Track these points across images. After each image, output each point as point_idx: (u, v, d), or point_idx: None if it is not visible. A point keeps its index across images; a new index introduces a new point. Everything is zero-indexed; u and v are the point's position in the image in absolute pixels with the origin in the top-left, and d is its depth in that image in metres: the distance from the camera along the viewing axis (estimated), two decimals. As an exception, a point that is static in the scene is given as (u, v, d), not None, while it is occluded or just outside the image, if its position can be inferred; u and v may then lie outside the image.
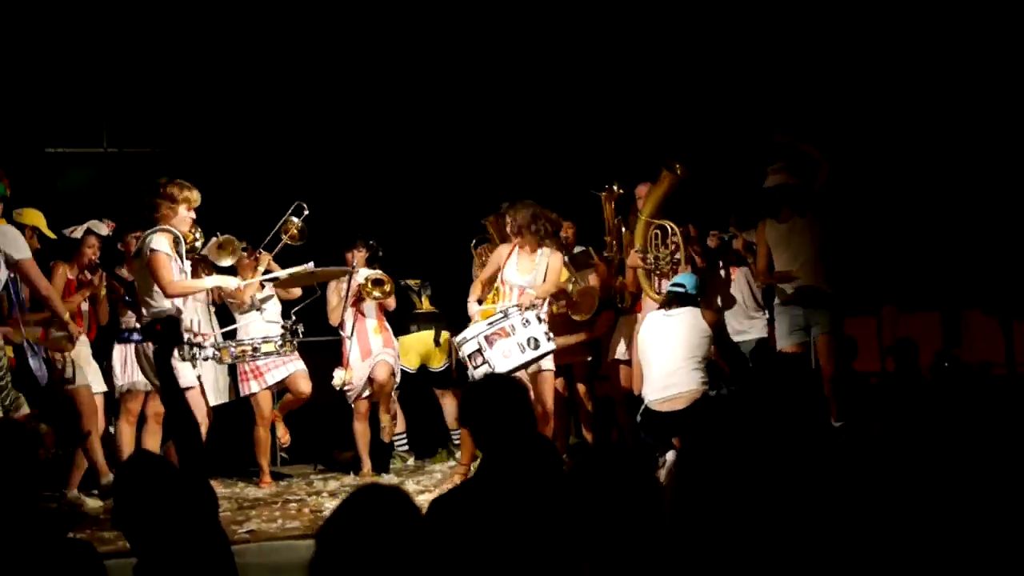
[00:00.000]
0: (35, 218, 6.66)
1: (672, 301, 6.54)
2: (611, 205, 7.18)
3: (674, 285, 6.60)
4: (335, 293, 7.64)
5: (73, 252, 6.96)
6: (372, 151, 9.34)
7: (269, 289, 7.43)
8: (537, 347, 6.28)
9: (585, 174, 7.71)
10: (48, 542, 3.08)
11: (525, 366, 6.32)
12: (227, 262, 7.11)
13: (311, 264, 7.05)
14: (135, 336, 6.71)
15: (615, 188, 7.15)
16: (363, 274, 7.56)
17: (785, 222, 6.73)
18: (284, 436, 7.56)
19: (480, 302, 6.72)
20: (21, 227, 6.60)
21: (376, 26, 8.93)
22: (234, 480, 7.56)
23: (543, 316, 6.46)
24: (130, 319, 7.04)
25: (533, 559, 2.62)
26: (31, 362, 5.91)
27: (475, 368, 6.31)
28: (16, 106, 8.39)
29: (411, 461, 8.14)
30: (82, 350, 6.79)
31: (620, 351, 7.24)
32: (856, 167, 9.10)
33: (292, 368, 7.33)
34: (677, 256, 6.91)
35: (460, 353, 6.47)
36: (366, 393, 7.61)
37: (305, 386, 7.42)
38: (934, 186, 9.18)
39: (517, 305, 6.43)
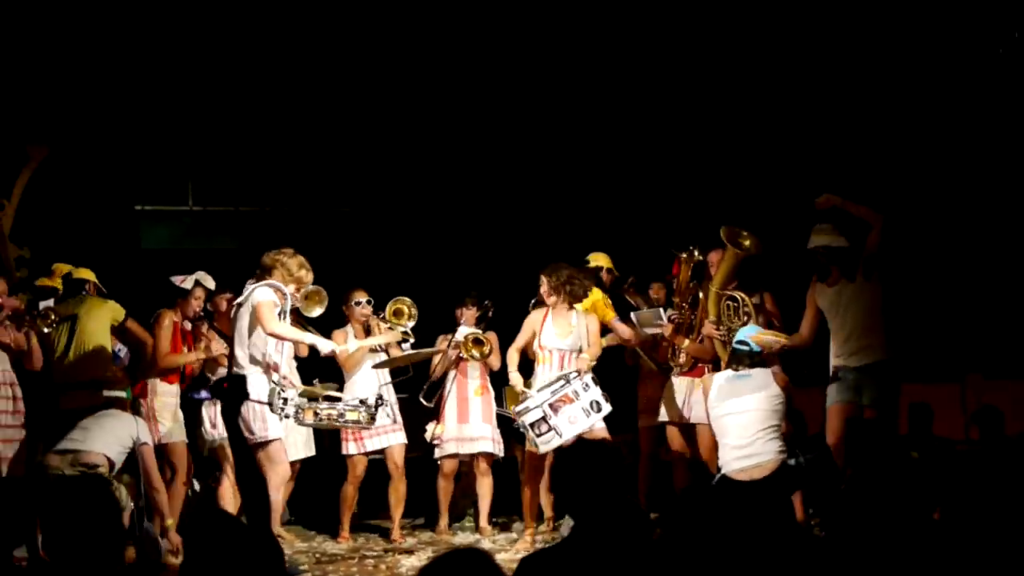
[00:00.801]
0: (89, 273, 7.08)
1: (740, 360, 6.46)
2: (688, 268, 7.10)
3: (738, 343, 6.51)
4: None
5: (178, 300, 7.08)
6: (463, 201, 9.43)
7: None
8: (599, 410, 6.45)
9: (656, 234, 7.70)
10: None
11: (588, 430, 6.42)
12: (316, 312, 7.05)
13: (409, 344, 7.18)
14: (203, 393, 6.87)
15: (695, 252, 7.09)
16: (463, 332, 7.48)
17: (834, 285, 6.61)
18: None
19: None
20: (83, 281, 6.97)
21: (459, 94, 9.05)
22: (313, 534, 7.57)
23: (595, 378, 6.57)
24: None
25: None
26: None
27: (538, 436, 6.40)
28: (106, 164, 8.64)
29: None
30: (171, 401, 6.96)
31: (669, 414, 7.17)
32: (934, 227, 9.02)
33: (392, 440, 7.31)
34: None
35: (520, 421, 6.50)
36: (453, 451, 7.49)
37: (399, 459, 7.38)
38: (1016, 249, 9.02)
39: (576, 371, 6.53)
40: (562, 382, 6.48)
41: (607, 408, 6.51)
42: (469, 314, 7.57)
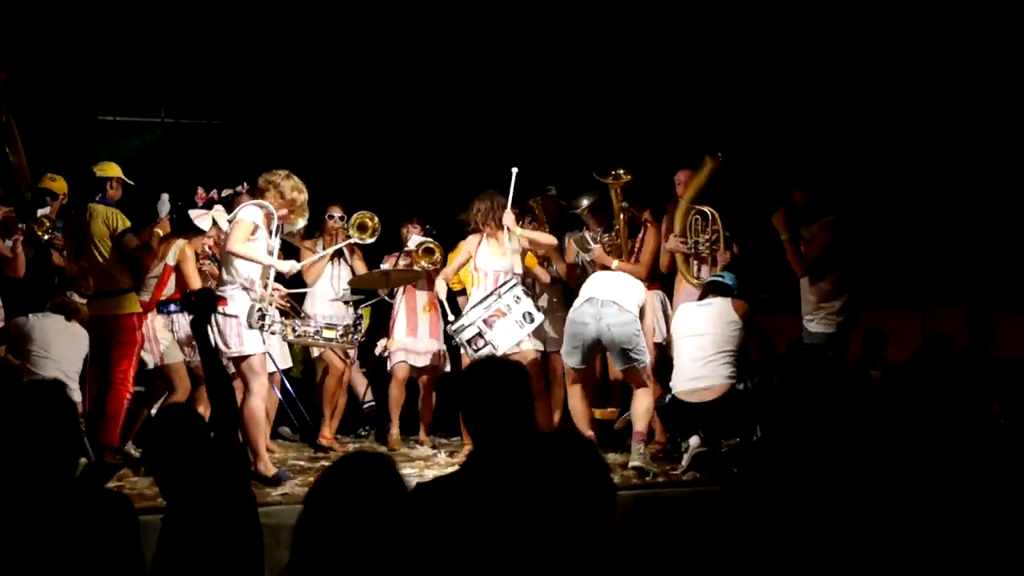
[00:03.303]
0: (114, 169, 6.87)
1: (710, 291, 6.60)
2: (618, 192, 7.18)
3: (716, 276, 6.68)
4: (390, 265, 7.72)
5: (191, 234, 7.02)
6: (419, 134, 9.46)
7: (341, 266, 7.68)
8: (532, 320, 6.66)
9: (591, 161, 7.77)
10: (85, 493, 3.22)
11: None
12: (300, 223, 7.07)
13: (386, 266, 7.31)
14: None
15: (621, 174, 7.14)
16: (415, 241, 7.63)
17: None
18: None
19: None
20: (105, 179, 6.83)
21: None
22: (297, 443, 7.79)
23: (526, 291, 6.82)
24: None
25: (515, 558, 2.55)
26: None
27: (475, 351, 6.56)
28: (72, 75, 8.61)
29: None
30: (167, 321, 7.16)
31: None
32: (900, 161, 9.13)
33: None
34: (717, 242, 6.97)
35: (457, 339, 6.69)
36: (403, 359, 7.71)
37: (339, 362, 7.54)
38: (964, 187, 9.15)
39: (506, 283, 6.71)
40: (494, 296, 6.65)
41: (540, 318, 6.72)
42: (416, 232, 7.72)
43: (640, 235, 7.24)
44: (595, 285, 6.68)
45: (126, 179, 6.90)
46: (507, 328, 6.59)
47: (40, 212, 7.17)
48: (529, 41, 9.13)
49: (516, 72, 9.30)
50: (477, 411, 3.15)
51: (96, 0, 8.18)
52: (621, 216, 7.12)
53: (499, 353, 6.52)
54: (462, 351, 6.76)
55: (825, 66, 9.11)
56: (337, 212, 7.59)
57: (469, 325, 6.60)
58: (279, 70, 9.13)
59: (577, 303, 6.68)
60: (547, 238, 7.22)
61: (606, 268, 6.90)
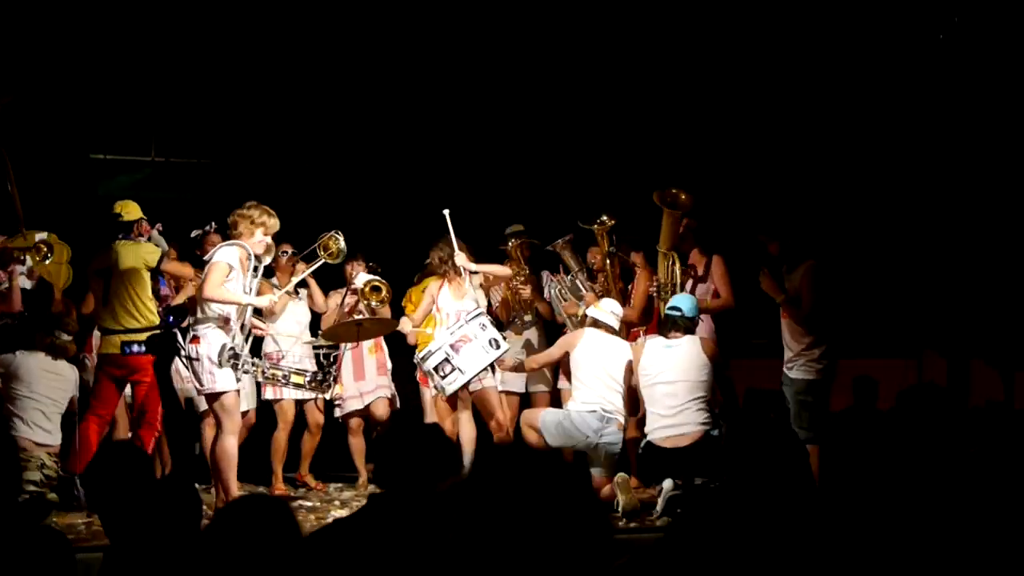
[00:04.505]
0: (138, 210, 7.00)
1: (671, 325, 6.58)
2: (604, 237, 7.26)
3: (671, 308, 6.63)
4: (334, 302, 7.81)
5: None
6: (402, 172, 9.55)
7: (299, 300, 7.74)
8: (498, 347, 6.80)
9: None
10: (19, 529, 3.22)
11: (491, 367, 6.85)
12: (265, 261, 7.22)
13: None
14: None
15: (605, 220, 7.22)
16: (362, 278, 7.64)
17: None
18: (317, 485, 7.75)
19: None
20: (132, 222, 6.93)
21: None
22: (256, 486, 7.70)
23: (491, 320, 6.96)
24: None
25: None
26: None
27: (443, 378, 6.69)
28: (64, 113, 8.73)
29: None
30: None
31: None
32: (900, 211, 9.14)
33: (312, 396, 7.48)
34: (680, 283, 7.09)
35: (424, 367, 6.81)
36: (356, 408, 7.74)
37: (319, 416, 7.66)
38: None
39: (471, 312, 6.85)
40: (459, 323, 6.79)
41: (505, 346, 6.90)
42: (360, 269, 7.73)
43: (633, 280, 7.32)
44: (596, 385, 6.70)
45: (145, 217, 7.03)
46: (474, 353, 6.69)
47: (39, 238, 7.17)
48: (490, 84, 9.26)
49: (474, 112, 9.46)
50: (390, 463, 3.20)
51: (88, 40, 8.27)
52: (608, 261, 7.20)
53: (465, 378, 6.69)
54: (428, 388, 6.84)
55: (805, 104, 9.15)
56: (289, 249, 7.66)
57: (436, 351, 6.72)
58: (266, 110, 9.23)
59: (581, 406, 6.66)
60: (502, 269, 7.38)
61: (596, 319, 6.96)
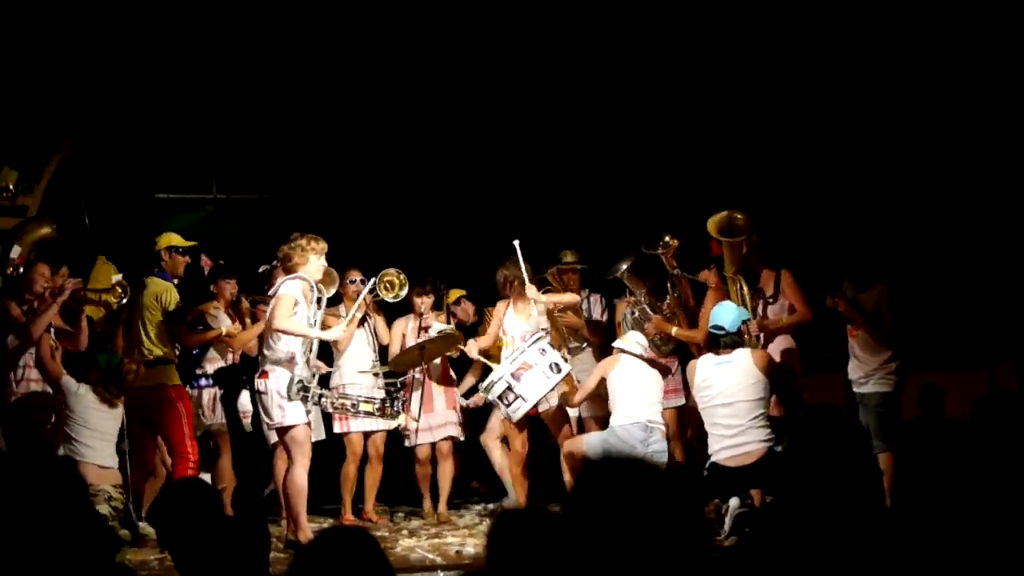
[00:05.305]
0: (166, 239, 7.11)
1: (717, 344, 6.50)
2: (669, 259, 7.22)
3: (713, 327, 6.55)
4: (399, 331, 7.85)
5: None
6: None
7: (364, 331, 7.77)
8: (559, 371, 6.84)
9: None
10: (94, 567, 3.27)
11: (553, 390, 6.89)
12: (329, 292, 7.20)
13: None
14: (202, 381, 7.30)
15: (668, 240, 7.18)
16: (436, 329, 7.69)
17: None
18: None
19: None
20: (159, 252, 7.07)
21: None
22: (324, 518, 7.73)
23: (551, 344, 6.97)
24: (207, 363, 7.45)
25: None
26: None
27: (507, 406, 6.80)
28: (129, 154, 8.92)
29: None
30: None
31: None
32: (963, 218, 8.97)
33: (374, 426, 7.52)
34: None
35: (489, 396, 6.93)
36: (425, 441, 7.74)
37: (380, 446, 7.67)
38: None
39: (533, 335, 6.90)
40: (520, 351, 6.86)
41: (567, 368, 6.89)
42: (428, 301, 7.76)
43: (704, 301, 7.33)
44: (636, 400, 6.79)
45: (180, 246, 7.09)
46: (535, 380, 6.78)
47: (115, 279, 7.27)
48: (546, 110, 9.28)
49: (526, 141, 9.50)
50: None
51: (147, 82, 8.45)
52: (673, 283, 7.21)
53: (528, 405, 6.78)
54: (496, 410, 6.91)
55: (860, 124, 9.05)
56: (357, 276, 7.68)
57: (498, 380, 6.83)
58: (326, 145, 9.35)
59: (624, 420, 6.75)
60: (570, 297, 7.40)
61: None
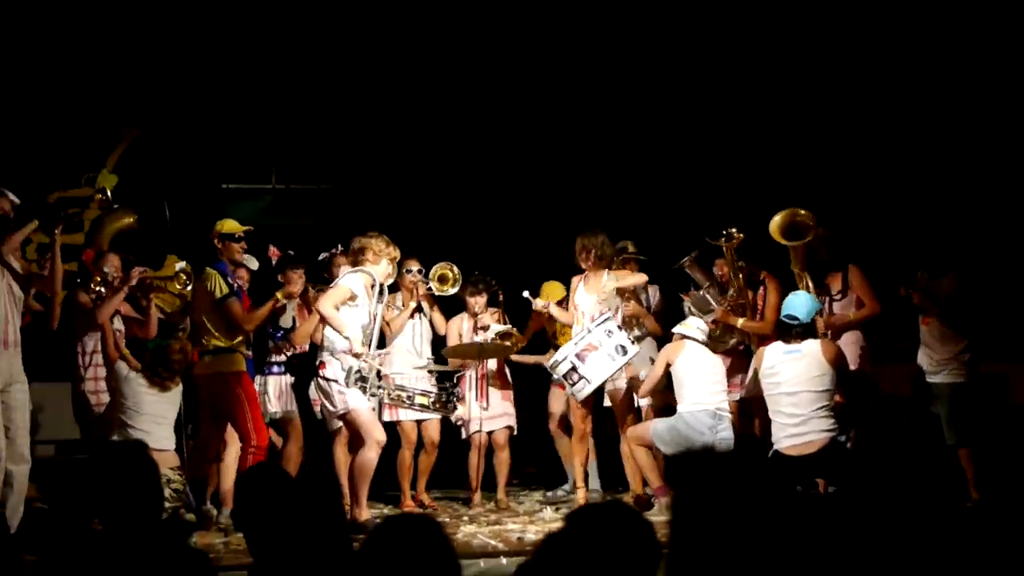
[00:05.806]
0: (219, 226, 7.02)
1: (788, 332, 6.45)
2: (731, 250, 7.14)
3: (786, 317, 6.48)
4: (456, 327, 7.83)
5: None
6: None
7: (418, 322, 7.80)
8: (625, 353, 6.84)
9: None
10: (165, 550, 3.32)
11: (620, 372, 6.91)
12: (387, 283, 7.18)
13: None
14: (274, 369, 7.40)
15: (733, 233, 7.09)
16: (495, 330, 7.68)
17: None
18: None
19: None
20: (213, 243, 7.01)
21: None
22: (382, 505, 7.78)
23: (620, 325, 6.94)
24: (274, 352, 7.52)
25: None
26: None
27: (572, 386, 6.85)
28: (196, 146, 9.03)
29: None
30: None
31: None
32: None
33: (434, 416, 7.49)
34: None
35: (555, 375, 7.01)
36: (478, 428, 7.69)
37: (435, 434, 7.68)
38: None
39: (601, 317, 6.89)
40: (586, 331, 6.86)
41: (633, 350, 6.89)
42: (481, 301, 7.73)
43: (761, 292, 7.25)
44: (704, 386, 6.77)
45: (233, 232, 6.96)
46: (599, 361, 6.79)
47: (179, 267, 7.28)
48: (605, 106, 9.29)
49: (593, 132, 9.51)
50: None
51: (206, 74, 8.56)
52: (739, 276, 7.15)
53: (593, 386, 6.81)
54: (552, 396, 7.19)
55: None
56: (415, 266, 7.61)
57: (563, 360, 6.88)
58: (383, 136, 9.39)
59: (693, 407, 6.71)
60: (637, 278, 7.37)
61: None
